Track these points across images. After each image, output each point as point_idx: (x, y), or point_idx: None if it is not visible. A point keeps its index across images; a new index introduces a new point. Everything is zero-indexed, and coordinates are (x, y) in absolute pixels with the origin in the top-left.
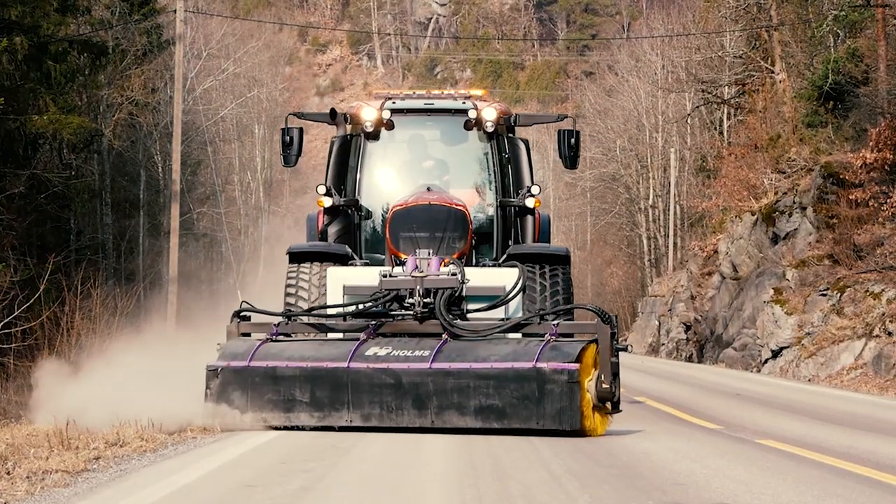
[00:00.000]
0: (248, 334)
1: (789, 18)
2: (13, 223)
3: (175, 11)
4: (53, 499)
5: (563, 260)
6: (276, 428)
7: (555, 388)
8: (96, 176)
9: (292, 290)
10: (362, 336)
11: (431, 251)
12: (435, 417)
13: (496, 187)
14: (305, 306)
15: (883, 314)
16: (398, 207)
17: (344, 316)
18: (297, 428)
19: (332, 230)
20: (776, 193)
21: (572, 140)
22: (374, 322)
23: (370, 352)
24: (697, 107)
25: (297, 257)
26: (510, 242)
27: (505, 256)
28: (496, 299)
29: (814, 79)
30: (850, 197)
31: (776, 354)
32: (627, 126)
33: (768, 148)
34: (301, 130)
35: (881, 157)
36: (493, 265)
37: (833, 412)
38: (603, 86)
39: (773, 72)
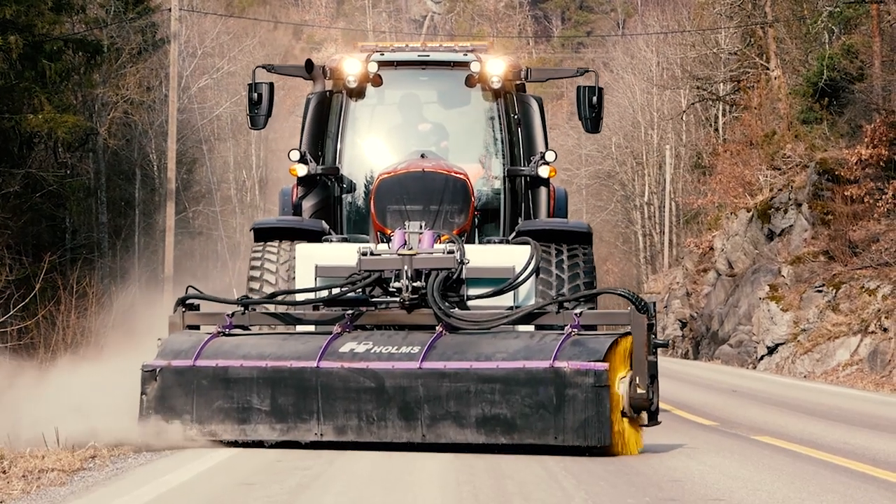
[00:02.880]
0: (197, 327)
1: (784, 15)
2: (8, 222)
3: (170, 10)
4: (50, 497)
5: (583, 238)
6: (231, 444)
7: (578, 394)
8: (91, 174)
9: (256, 274)
10: (336, 329)
11: (424, 224)
12: (426, 430)
13: (504, 154)
14: (271, 292)
15: (878, 310)
16: (385, 176)
17: (314, 304)
18: (257, 444)
19: (308, 204)
20: (771, 190)
21: (594, 98)
22: (350, 311)
23: (345, 348)
24: (693, 103)
25: (262, 234)
26: (520, 219)
27: (514, 234)
28: (503, 283)
29: (809, 75)
30: (846, 193)
31: (772, 351)
32: (623, 123)
33: (763, 144)
34: (271, 86)
35: (876, 153)
36: (501, 243)
37: (829, 408)
38: (598, 82)
39: (767, 68)
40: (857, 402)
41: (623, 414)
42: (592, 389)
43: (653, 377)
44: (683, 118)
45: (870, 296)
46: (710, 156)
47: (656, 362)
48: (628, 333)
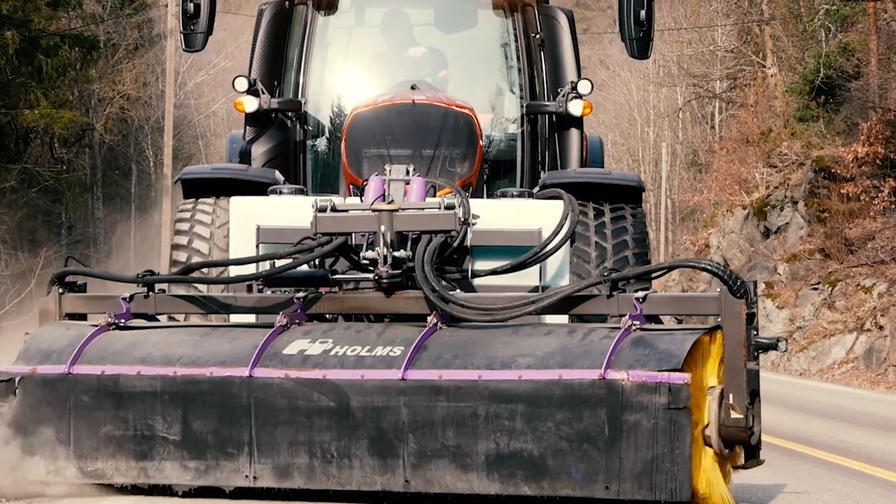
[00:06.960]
0: (83, 316)
1: (780, 13)
2: (4, 217)
3: (166, 6)
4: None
5: (632, 194)
6: (128, 489)
7: (643, 421)
8: (87, 170)
9: (183, 241)
10: (281, 319)
11: (412, 170)
12: (410, 474)
13: (521, 87)
14: (186, 265)
15: (874, 308)
16: (362, 109)
17: (249, 281)
18: (167, 490)
19: (260, 150)
20: (767, 188)
21: (642, 13)
22: (302, 293)
23: (293, 349)
24: (689, 101)
25: (193, 188)
26: (542, 171)
27: (539, 187)
28: (526, 253)
29: (805, 73)
30: (842, 191)
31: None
32: (619, 120)
33: (760, 142)
34: None
35: (872, 151)
36: (520, 196)
37: (824, 406)
38: (594, 80)
39: (764, 66)
40: (853, 399)
41: (709, 451)
42: (665, 413)
43: (753, 394)
44: (680, 115)
45: (866, 293)
46: (707, 153)
47: (758, 372)
48: (717, 328)
